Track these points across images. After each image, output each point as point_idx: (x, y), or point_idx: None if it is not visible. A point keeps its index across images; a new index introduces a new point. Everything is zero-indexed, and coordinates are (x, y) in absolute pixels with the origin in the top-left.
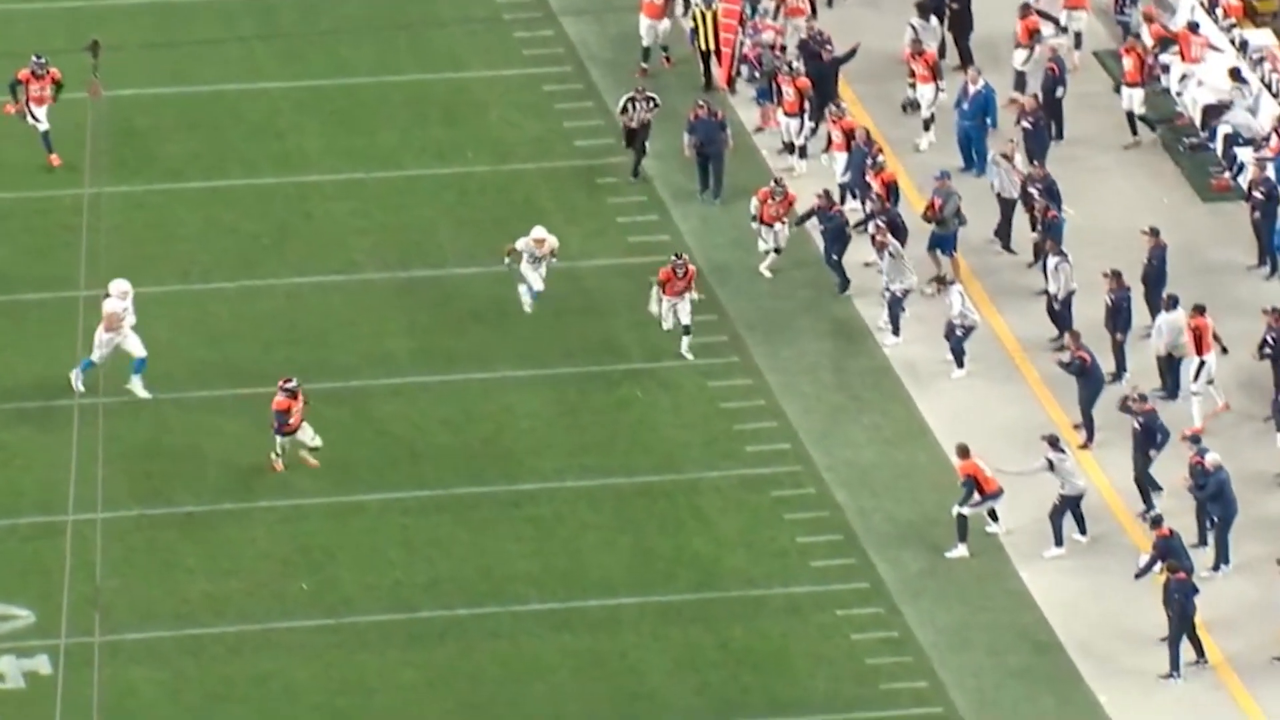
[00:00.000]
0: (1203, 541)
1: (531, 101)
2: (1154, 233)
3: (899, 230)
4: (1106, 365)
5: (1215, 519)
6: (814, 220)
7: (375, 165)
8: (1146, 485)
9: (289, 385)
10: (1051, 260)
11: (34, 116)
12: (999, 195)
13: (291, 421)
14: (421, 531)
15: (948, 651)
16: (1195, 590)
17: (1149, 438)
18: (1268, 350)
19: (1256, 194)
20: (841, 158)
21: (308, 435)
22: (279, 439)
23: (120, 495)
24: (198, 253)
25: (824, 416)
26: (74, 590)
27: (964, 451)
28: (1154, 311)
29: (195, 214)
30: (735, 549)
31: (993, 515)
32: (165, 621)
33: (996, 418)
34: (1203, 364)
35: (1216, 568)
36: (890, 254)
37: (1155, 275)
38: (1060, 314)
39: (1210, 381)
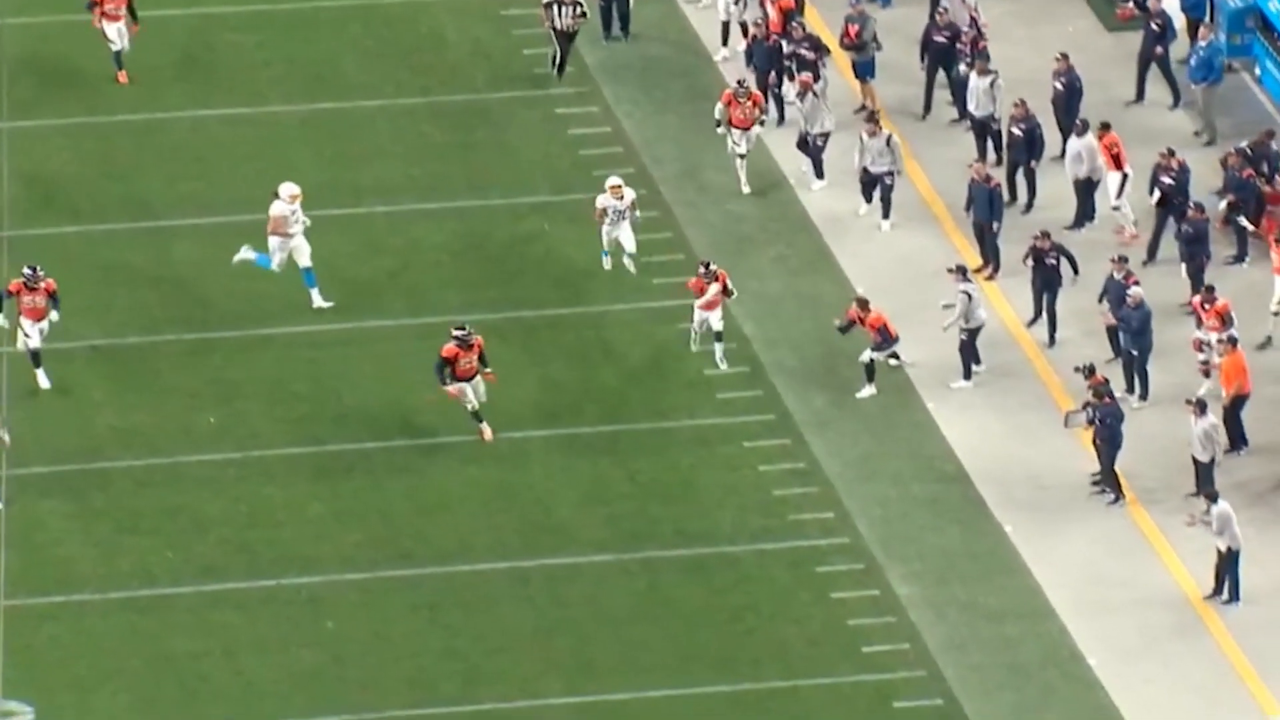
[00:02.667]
0: (1129, 385)
1: None
2: (1064, 57)
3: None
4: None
5: (1135, 352)
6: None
7: None
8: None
9: (460, 333)
10: (983, 81)
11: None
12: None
13: (462, 370)
14: (329, 365)
15: (854, 482)
16: (1122, 416)
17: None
18: (1159, 191)
19: (1153, 25)
20: None
21: (478, 393)
22: (449, 386)
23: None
24: (102, 84)
25: (731, 249)
26: None
27: (865, 304)
28: (1066, 135)
29: (100, 47)
30: (642, 381)
31: (894, 357)
32: (73, 455)
33: (907, 259)
34: (1125, 176)
35: (1139, 398)
36: (814, 94)
37: (1067, 99)
38: (979, 130)
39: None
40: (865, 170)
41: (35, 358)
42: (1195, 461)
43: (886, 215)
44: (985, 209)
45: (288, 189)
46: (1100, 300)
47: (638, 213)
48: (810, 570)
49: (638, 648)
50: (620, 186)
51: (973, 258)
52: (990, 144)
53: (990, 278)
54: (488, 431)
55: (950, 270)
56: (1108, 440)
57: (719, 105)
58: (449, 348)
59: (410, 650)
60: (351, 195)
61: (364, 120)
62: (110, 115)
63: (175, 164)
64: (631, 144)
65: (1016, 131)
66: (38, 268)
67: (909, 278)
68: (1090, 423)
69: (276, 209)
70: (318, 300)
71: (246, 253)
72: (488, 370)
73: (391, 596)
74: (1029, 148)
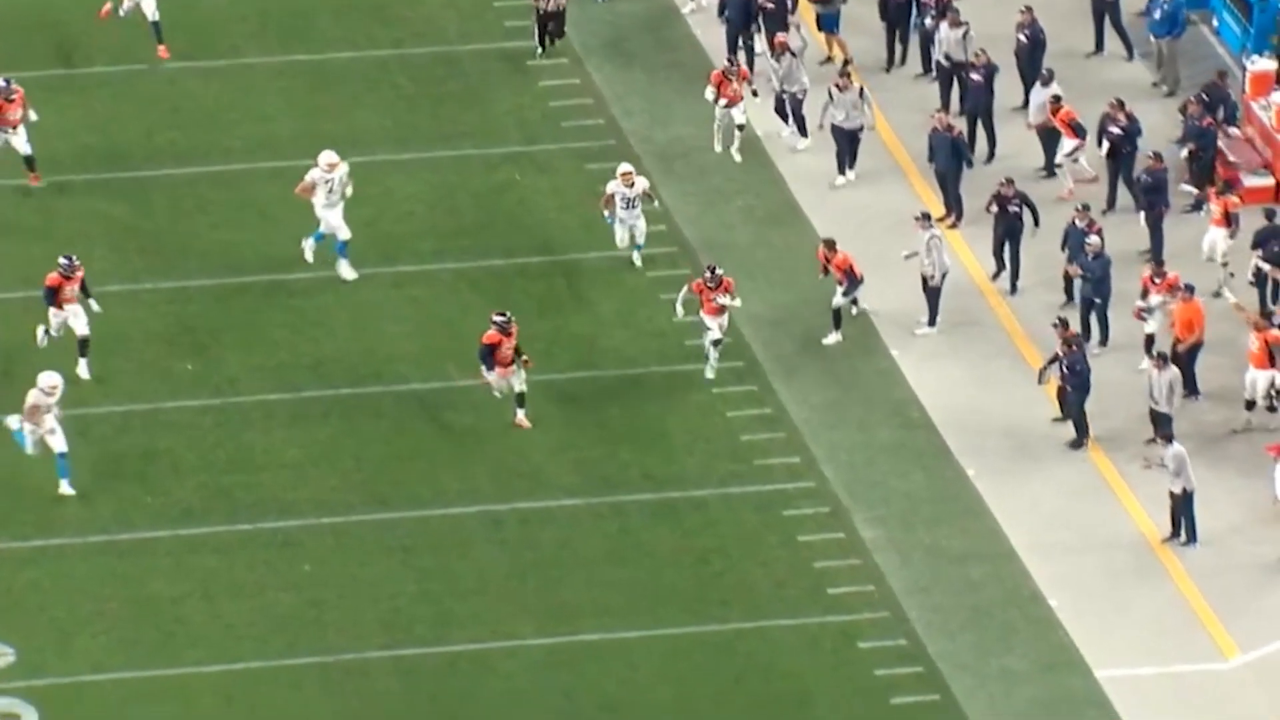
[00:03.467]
0: (1085, 331)
1: None
2: (1028, 9)
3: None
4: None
5: (1096, 300)
6: None
7: None
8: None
9: (500, 319)
10: (955, 32)
11: None
12: None
13: (501, 356)
14: (305, 312)
15: (820, 428)
16: (1089, 366)
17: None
18: (1108, 142)
19: None
20: None
21: (518, 381)
22: (488, 374)
23: (5, 278)
24: (79, 38)
25: (700, 200)
26: None
27: (832, 244)
28: (1029, 86)
29: (75, 2)
30: (613, 330)
31: (854, 303)
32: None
33: (870, 209)
34: (1080, 143)
35: (1100, 344)
36: (792, 54)
37: (1030, 51)
38: (946, 79)
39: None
40: (835, 127)
41: (83, 346)
42: (1154, 411)
43: (851, 167)
44: (947, 158)
45: (325, 157)
46: (1062, 248)
47: (656, 202)
48: (777, 514)
49: (608, 590)
50: (631, 173)
51: (937, 207)
52: (957, 93)
53: (953, 226)
54: (524, 420)
55: (916, 218)
56: (1078, 388)
57: (709, 89)
58: (490, 334)
59: (385, 593)
60: (326, 146)
61: (338, 72)
62: (88, 68)
63: (152, 116)
64: (601, 96)
65: (976, 77)
66: (73, 257)
67: (874, 228)
68: (1063, 371)
69: (310, 175)
70: (346, 271)
71: (309, 250)
72: (525, 357)
73: (367, 540)
74: (989, 91)
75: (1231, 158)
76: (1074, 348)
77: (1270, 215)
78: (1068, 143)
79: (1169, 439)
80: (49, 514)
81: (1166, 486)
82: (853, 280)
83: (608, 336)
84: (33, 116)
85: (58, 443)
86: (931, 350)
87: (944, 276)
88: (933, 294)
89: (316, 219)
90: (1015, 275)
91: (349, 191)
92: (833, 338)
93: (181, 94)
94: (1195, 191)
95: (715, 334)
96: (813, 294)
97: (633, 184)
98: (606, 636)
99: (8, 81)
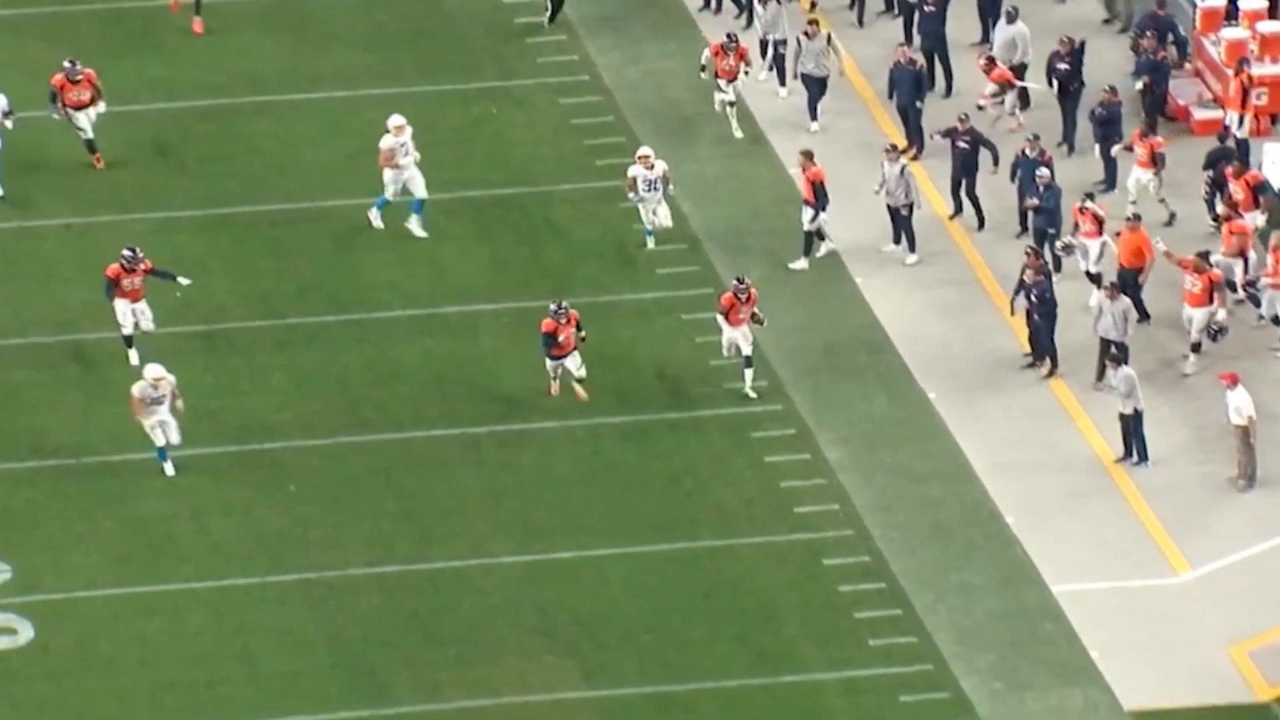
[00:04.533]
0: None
1: None
2: None
3: None
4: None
5: (1050, 231)
6: None
7: None
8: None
9: (555, 308)
10: None
11: None
12: None
13: (561, 345)
14: (290, 242)
15: (786, 352)
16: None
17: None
18: (1056, 80)
19: None
20: None
21: (574, 364)
22: (550, 362)
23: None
24: None
25: (671, 131)
26: None
27: (810, 155)
28: (987, 20)
29: None
30: (586, 258)
31: (821, 236)
32: (47, 328)
33: (837, 143)
34: (1025, 92)
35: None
36: (778, 1)
37: None
38: (908, 13)
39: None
40: (805, 75)
41: (129, 339)
42: (1103, 340)
43: (815, 117)
44: (909, 91)
45: (393, 120)
46: (1013, 179)
47: (672, 187)
48: (745, 436)
49: (582, 509)
50: (650, 156)
51: (900, 141)
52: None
53: (914, 159)
54: (582, 392)
55: (885, 151)
56: (1046, 316)
57: (705, 53)
58: (547, 322)
59: (368, 512)
60: (310, 81)
61: (321, 10)
62: (77, 5)
63: (140, 52)
64: (576, 31)
65: (930, 8)
66: (137, 249)
67: (839, 161)
68: (1030, 300)
69: (384, 142)
70: (416, 229)
71: (375, 218)
72: (582, 334)
73: (350, 461)
74: (942, 23)
75: (1181, 100)
76: (1043, 276)
77: (1221, 138)
78: (1011, 96)
79: (1119, 362)
80: (43, 437)
81: (1117, 409)
82: (822, 197)
83: (581, 265)
84: (101, 107)
85: (171, 434)
86: (895, 278)
87: (911, 207)
88: (906, 223)
89: (382, 185)
90: (979, 212)
91: (417, 155)
92: (800, 264)
93: (169, 30)
94: (1121, 146)
95: (746, 350)
96: (778, 223)
97: (652, 166)
98: (580, 554)
99: (74, 63)
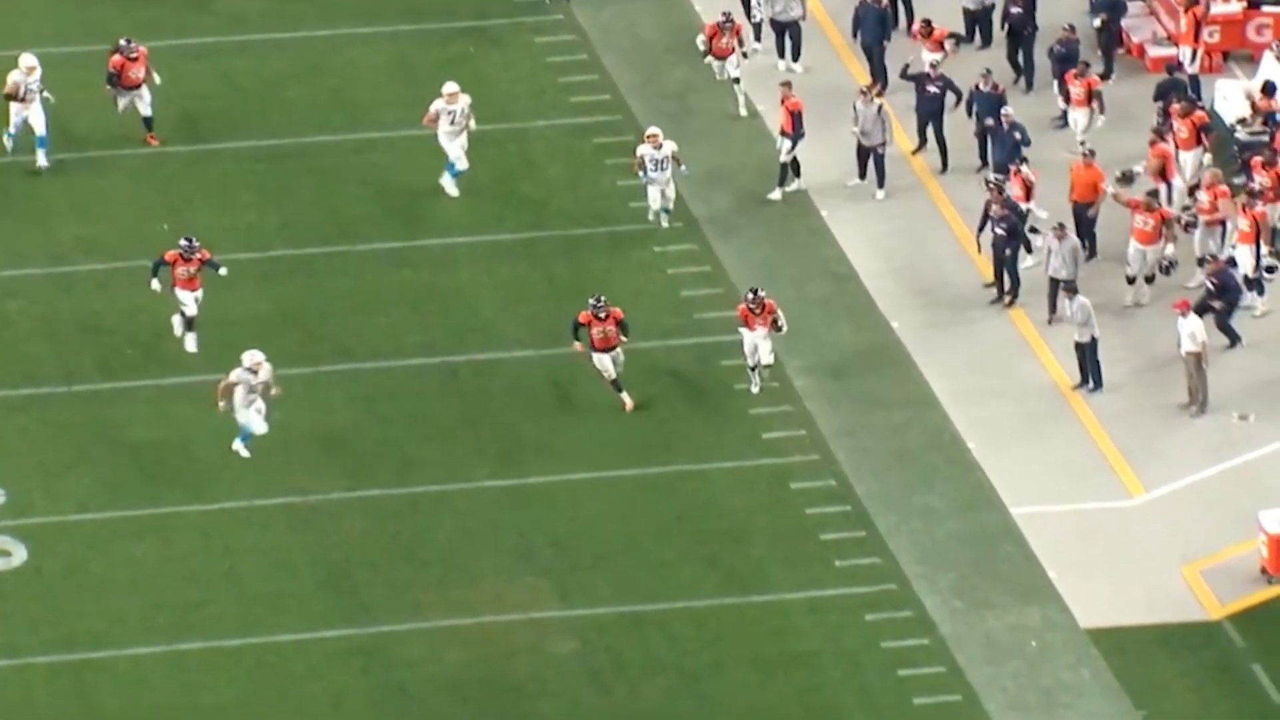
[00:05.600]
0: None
1: None
2: None
3: None
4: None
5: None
6: None
7: None
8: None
9: (594, 302)
10: None
11: None
12: None
13: (600, 340)
14: (273, 177)
15: (757, 283)
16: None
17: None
18: (1008, 24)
19: None
20: None
21: (613, 361)
22: (595, 355)
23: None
24: None
25: (641, 67)
26: None
27: (788, 85)
28: None
29: None
30: (561, 193)
31: (796, 171)
32: (39, 260)
33: (805, 84)
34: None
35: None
36: None
37: None
38: None
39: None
40: (773, 19)
41: (189, 324)
42: (1052, 279)
43: (796, 59)
44: (874, 29)
45: (447, 87)
46: (969, 113)
47: (684, 167)
48: (715, 364)
49: (557, 435)
50: (658, 135)
51: (865, 79)
52: None
53: (878, 95)
54: (629, 402)
55: (861, 92)
56: (1011, 246)
57: (700, 37)
58: (584, 314)
59: (350, 438)
60: (294, 21)
61: None
62: None
63: None
64: None
65: None
66: (194, 239)
67: (807, 101)
68: (995, 232)
69: (433, 105)
70: (450, 187)
71: (450, 186)
72: (624, 338)
73: (332, 389)
74: None
75: (1136, 38)
76: (1008, 209)
77: (1170, 70)
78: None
79: (1074, 291)
80: (35, 365)
81: (1073, 338)
82: (799, 127)
83: (556, 199)
84: (156, 80)
85: (258, 425)
86: (860, 212)
87: (884, 145)
88: (880, 161)
89: (444, 152)
90: (944, 154)
91: (472, 125)
92: (776, 194)
93: None
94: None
95: (767, 360)
96: (748, 159)
97: (660, 146)
98: (556, 479)
99: (129, 41)
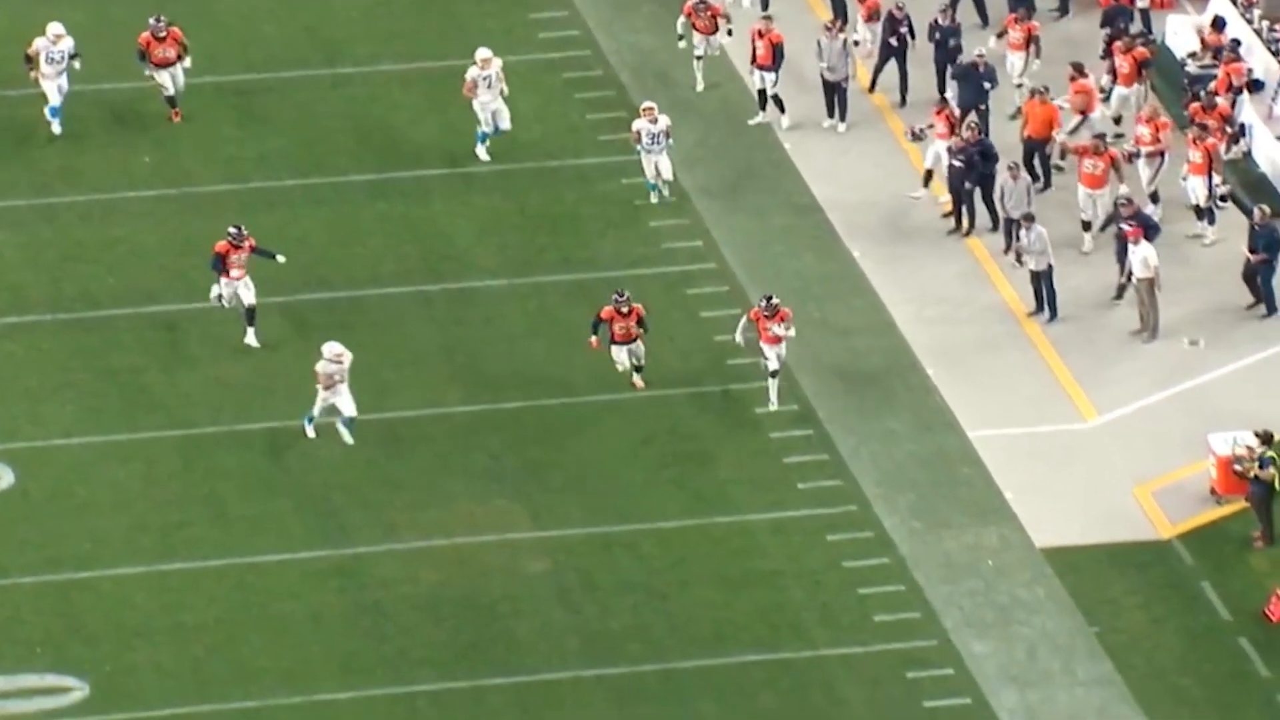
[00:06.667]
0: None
1: None
2: None
3: None
4: None
5: (981, 107)
6: None
7: None
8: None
9: (617, 298)
10: None
11: None
12: None
13: (621, 333)
14: (252, 110)
15: (720, 214)
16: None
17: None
18: None
19: None
20: None
21: (634, 353)
22: (614, 348)
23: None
24: None
25: (611, 4)
26: None
27: (769, 19)
28: None
29: None
30: (531, 125)
31: (780, 105)
32: (23, 191)
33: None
34: None
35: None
36: None
37: None
38: None
39: None
40: None
41: (250, 315)
42: (1007, 220)
43: (765, 6)
44: None
45: (480, 53)
46: (931, 39)
47: (671, 140)
48: (681, 292)
49: (528, 362)
50: (654, 109)
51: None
52: None
53: (841, 31)
54: (639, 381)
55: (825, 27)
56: (968, 179)
57: (681, 19)
58: (606, 309)
59: None
60: None
61: None
62: None
63: None
64: None
65: None
66: (241, 227)
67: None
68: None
69: (469, 73)
70: (482, 153)
71: (482, 152)
72: (644, 329)
73: (310, 317)
74: None
75: None
76: (970, 144)
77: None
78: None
79: (1030, 219)
80: (20, 294)
81: (1029, 266)
82: (779, 59)
83: (527, 131)
84: (187, 63)
85: (347, 407)
86: (822, 144)
87: (847, 80)
88: (843, 95)
89: (476, 117)
90: (904, 90)
91: (505, 89)
92: (759, 119)
93: None
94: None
95: (774, 364)
96: (711, 91)
97: (656, 120)
98: (527, 404)
99: (158, 19)
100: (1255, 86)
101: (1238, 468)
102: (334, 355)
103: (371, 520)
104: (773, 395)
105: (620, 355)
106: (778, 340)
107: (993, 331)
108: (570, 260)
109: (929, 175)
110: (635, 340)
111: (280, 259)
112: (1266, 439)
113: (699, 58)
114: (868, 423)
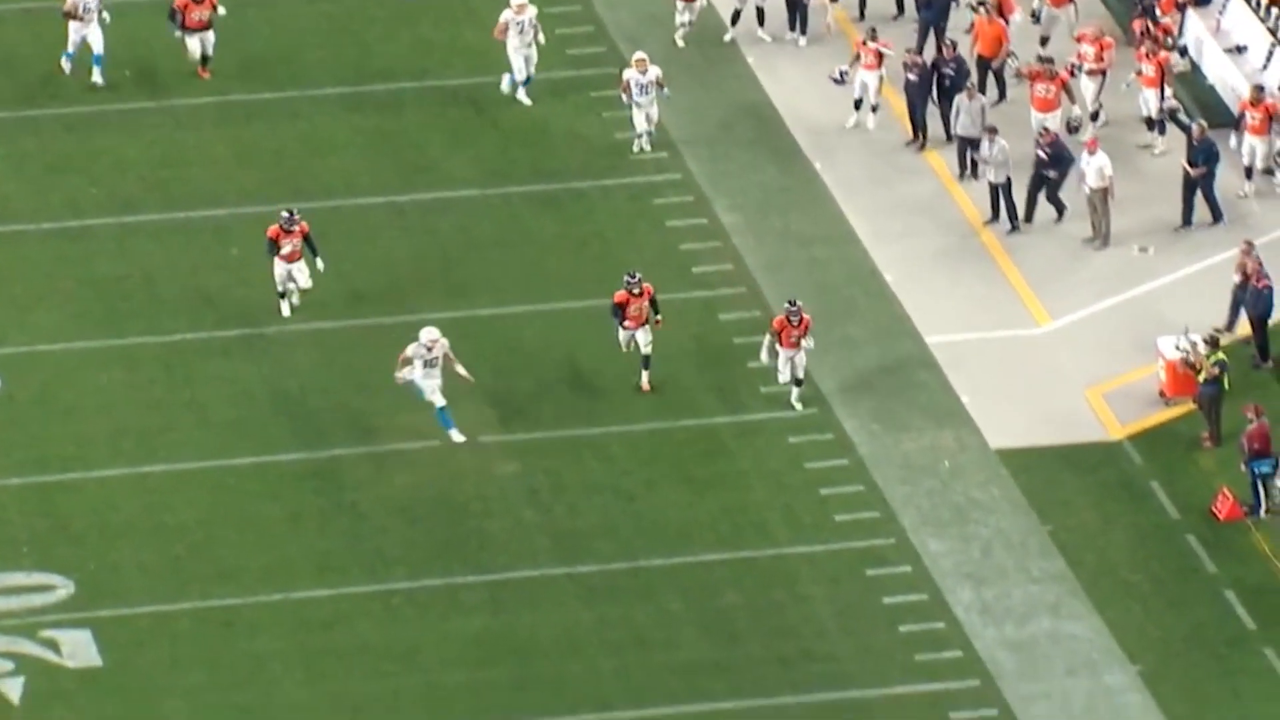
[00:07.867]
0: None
1: None
2: None
3: None
4: None
5: (942, 24)
6: None
7: None
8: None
9: (629, 279)
10: None
11: None
12: None
13: (633, 317)
14: (231, 26)
15: (685, 127)
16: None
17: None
18: None
19: None
20: None
21: (644, 339)
22: (621, 334)
23: None
24: None
25: None
26: None
27: None
28: None
29: None
30: (502, 42)
31: (760, 19)
32: (8, 103)
33: None
34: None
35: None
36: None
37: None
38: None
39: None
40: None
41: (282, 293)
42: (961, 138)
43: None
44: None
45: (509, 14)
46: None
47: (666, 90)
48: (648, 203)
49: (500, 271)
50: (645, 60)
51: None
52: None
53: None
54: (646, 382)
55: None
56: (923, 93)
57: None
58: (620, 294)
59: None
60: None
61: None
62: None
63: None
64: None
65: None
66: (294, 211)
67: None
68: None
69: (502, 15)
70: (523, 97)
71: (522, 94)
72: (658, 317)
73: None
74: None
75: None
76: (949, 64)
77: None
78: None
79: (993, 130)
80: (4, 204)
81: (988, 178)
82: None
83: (497, 47)
84: (221, 11)
85: (431, 391)
86: (785, 59)
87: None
88: (804, 10)
89: (507, 61)
90: (863, 3)
91: (541, 38)
92: (731, 34)
93: None
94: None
95: (796, 372)
96: (670, 11)
97: (646, 70)
98: (498, 311)
99: None
100: (1201, 1)
101: (1189, 360)
102: (428, 340)
103: (347, 424)
104: (796, 404)
105: (626, 337)
106: (798, 346)
107: (950, 241)
108: (541, 171)
109: (858, 104)
110: (647, 323)
111: (320, 265)
112: (1214, 343)
113: (684, 24)
114: (829, 329)
